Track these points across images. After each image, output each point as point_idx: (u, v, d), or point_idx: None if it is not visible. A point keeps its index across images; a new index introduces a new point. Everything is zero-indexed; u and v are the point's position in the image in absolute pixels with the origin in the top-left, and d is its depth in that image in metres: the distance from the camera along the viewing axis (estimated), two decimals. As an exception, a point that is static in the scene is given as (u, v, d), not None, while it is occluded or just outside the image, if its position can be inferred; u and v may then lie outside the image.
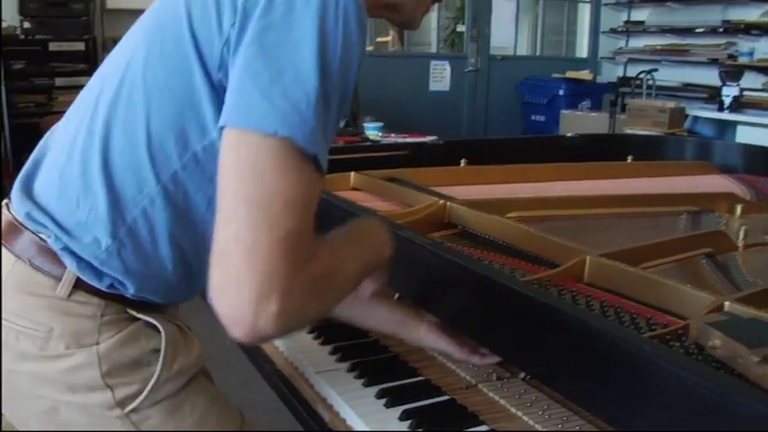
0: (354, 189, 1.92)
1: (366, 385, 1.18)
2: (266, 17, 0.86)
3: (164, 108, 0.96)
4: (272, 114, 0.83)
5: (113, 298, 1.03)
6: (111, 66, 1.08)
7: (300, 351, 1.31)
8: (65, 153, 1.04)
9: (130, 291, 1.03)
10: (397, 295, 1.38)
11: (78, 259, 1.00)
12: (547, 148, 2.58)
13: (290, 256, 0.81)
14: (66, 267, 1.00)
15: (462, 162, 2.13)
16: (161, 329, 1.05)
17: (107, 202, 0.98)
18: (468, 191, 1.85)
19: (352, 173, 1.93)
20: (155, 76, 0.98)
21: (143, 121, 0.97)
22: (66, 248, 1.00)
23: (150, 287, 1.05)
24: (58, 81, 5.28)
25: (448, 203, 1.59)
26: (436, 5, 1.25)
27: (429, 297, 1.29)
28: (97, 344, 1.01)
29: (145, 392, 1.03)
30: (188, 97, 0.95)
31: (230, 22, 0.89)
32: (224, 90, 0.90)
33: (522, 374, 1.16)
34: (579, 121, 6.38)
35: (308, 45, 0.85)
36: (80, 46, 5.33)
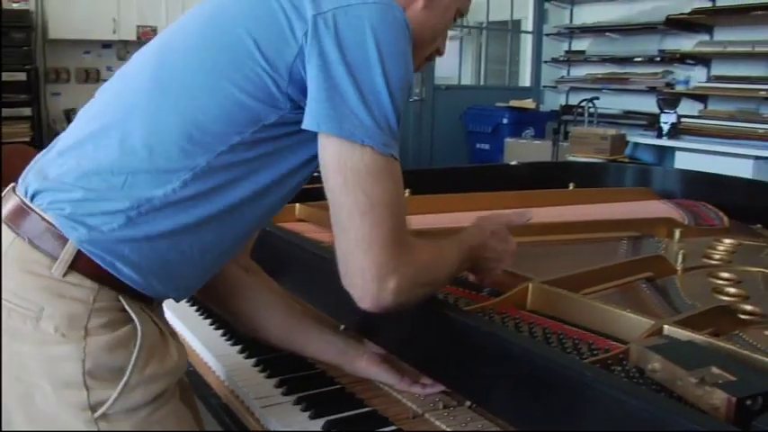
0: (300, 220, 1.91)
1: (312, 417, 1.17)
2: (338, 32, 1.02)
3: (217, 96, 1.05)
4: (362, 128, 1.01)
5: (108, 281, 1.02)
6: (145, 63, 1.16)
7: (246, 384, 1.30)
8: (94, 131, 1.08)
9: (129, 271, 1.03)
10: (342, 327, 1.38)
11: (89, 228, 1.01)
12: (491, 177, 2.61)
13: (398, 244, 1.03)
14: (64, 248, 1.01)
15: (407, 192, 2.14)
16: (137, 326, 1.03)
17: (145, 171, 1.03)
18: (413, 221, 1.85)
19: (297, 204, 1.93)
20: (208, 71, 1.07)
21: (190, 104, 1.05)
22: (80, 217, 1.01)
23: (155, 268, 1.05)
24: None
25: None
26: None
27: (372, 327, 1.29)
28: (86, 331, 1.00)
29: (114, 394, 1.00)
30: (228, 92, 1.04)
31: (303, 31, 1.02)
32: (282, 93, 1.04)
33: (468, 403, 1.17)
34: (523, 149, 6.46)
35: (376, 62, 1.02)
36: (21, 76, 5.24)
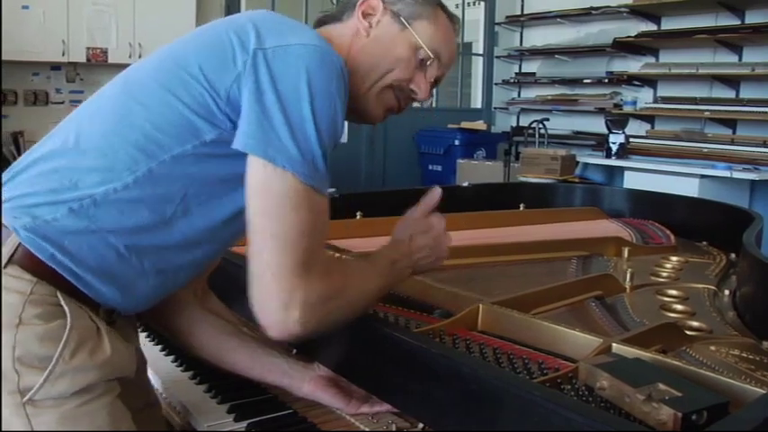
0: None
1: (264, 444, 1.16)
2: (273, 66, 1.09)
3: (164, 109, 1.12)
4: (286, 155, 1.06)
5: (47, 277, 1.06)
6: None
7: (196, 410, 1.28)
8: (56, 140, 1.15)
9: (69, 263, 1.06)
10: (294, 351, 1.37)
11: (33, 218, 1.07)
12: (442, 198, 2.62)
13: (306, 272, 1.05)
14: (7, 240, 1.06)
15: (358, 214, 2.15)
16: (67, 313, 1.06)
17: (92, 169, 1.09)
18: (363, 243, 1.86)
19: (249, 228, 1.91)
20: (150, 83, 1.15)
21: (140, 113, 1.12)
22: (26, 208, 1.08)
23: (105, 259, 1.09)
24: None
25: (343, 257, 1.60)
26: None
27: (322, 350, 1.29)
28: (19, 320, 1.03)
29: (41, 380, 1.03)
30: (174, 106, 1.11)
31: (243, 60, 1.10)
32: (221, 112, 1.10)
33: (421, 425, 1.16)
34: (475, 170, 6.51)
35: (306, 96, 1.08)
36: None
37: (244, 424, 1.22)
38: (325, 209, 1.11)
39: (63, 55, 5.57)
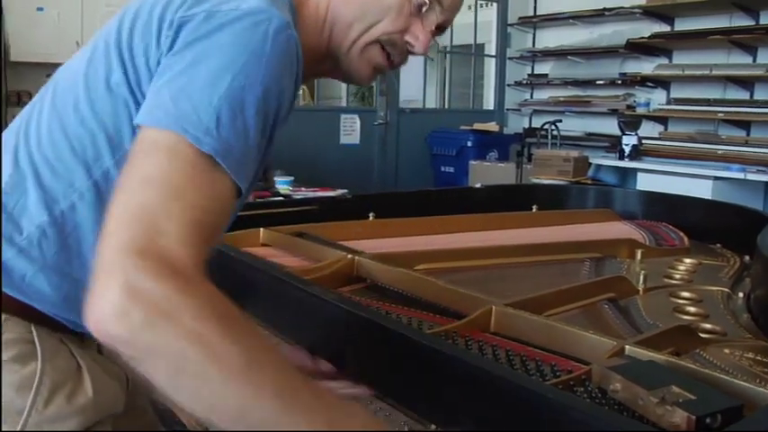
0: (264, 245, 1.91)
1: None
2: (196, 30, 0.91)
3: (87, 107, 1.00)
4: (172, 115, 0.85)
5: (19, 310, 0.97)
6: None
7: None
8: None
9: (44, 293, 0.98)
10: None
11: None
12: (454, 200, 2.62)
13: (152, 254, 0.75)
14: None
15: (370, 216, 2.15)
16: (38, 361, 0.97)
17: (35, 191, 0.98)
18: (376, 244, 1.86)
19: (261, 229, 1.92)
20: (76, 77, 1.03)
21: (72, 118, 1.00)
22: None
23: (65, 290, 0.99)
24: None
25: (356, 258, 1.60)
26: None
27: (336, 352, 1.28)
28: None
29: None
30: (110, 100, 0.99)
31: (166, 35, 0.94)
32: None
33: (433, 426, 1.16)
34: (487, 172, 6.51)
35: (229, 62, 0.88)
36: (-19, 99, 5.19)
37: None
38: (222, 193, 0.85)
39: (77, 56, 5.59)
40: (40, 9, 5.39)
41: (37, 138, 1.02)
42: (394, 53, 1.13)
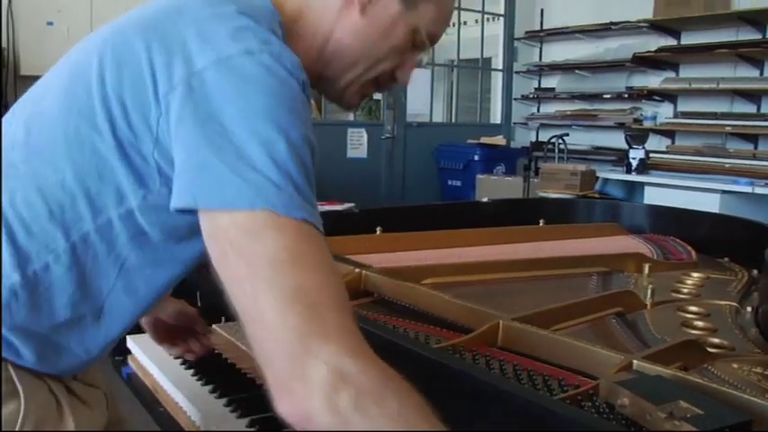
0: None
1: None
2: (215, 90, 0.87)
3: (68, 168, 0.94)
4: (247, 189, 0.82)
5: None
6: (23, 111, 1.06)
7: (215, 423, 1.29)
8: None
9: (16, 351, 0.95)
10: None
11: None
12: (461, 214, 2.62)
13: (327, 335, 0.76)
14: None
15: (378, 230, 2.15)
16: (20, 394, 0.95)
17: (7, 251, 0.94)
18: (383, 258, 1.87)
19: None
20: (55, 132, 0.96)
21: (51, 178, 0.95)
22: None
23: (38, 349, 0.97)
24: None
25: (363, 272, 1.60)
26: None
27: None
28: None
29: None
30: (95, 161, 0.94)
31: (166, 90, 0.89)
32: (148, 159, 0.91)
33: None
34: (494, 186, 6.51)
35: (264, 113, 0.85)
36: (-9, 113, 5.22)
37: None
38: (325, 246, 0.85)
39: (86, 70, 5.63)
40: (49, 23, 5.43)
41: (10, 193, 0.96)
42: (382, 83, 1.16)
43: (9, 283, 0.93)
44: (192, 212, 0.88)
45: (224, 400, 1.37)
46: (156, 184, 0.93)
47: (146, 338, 1.56)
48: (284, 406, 0.75)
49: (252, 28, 0.93)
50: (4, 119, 1.08)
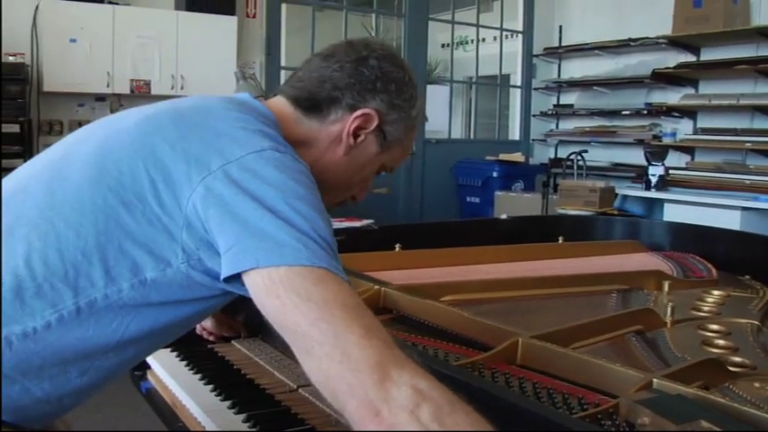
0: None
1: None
2: (256, 173, 1.00)
3: (91, 235, 1.01)
4: (305, 250, 0.94)
5: None
6: (43, 172, 1.12)
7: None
8: None
9: None
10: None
11: None
12: (480, 231, 2.63)
13: (385, 364, 0.85)
14: None
15: (397, 247, 2.15)
16: None
17: (12, 306, 0.98)
18: (402, 275, 1.87)
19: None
20: (82, 201, 1.04)
21: (72, 241, 1.01)
22: None
23: (18, 401, 1.00)
24: (-7, 162, 5.20)
25: (383, 288, 1.61)
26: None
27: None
28: None
29: None
30: (118, 233, 1.01)
31: (202, 174, 1.00)
32: (176, 237, 1.01)
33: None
34: (513, 202, 6.50)
35: (300, 195, 0.99)
36: (15, 128, 5.27)
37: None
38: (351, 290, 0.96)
39: (108, 86, 5.68)
40: (72, 40, 5.50)
41: (26, 247, 1.01)
42: (345, 201, 1.36)
43: (6, 333, 0.98)
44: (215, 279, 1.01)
45: (243, 416, 1.37)
46: (177, 259, 1.02)
47: (165, 353, 1.57)
48: (372, 426, 0.83)
49: (271, 134, 1.10)
50: (16, 171, 1.16)
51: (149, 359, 1.67)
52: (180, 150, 1.03)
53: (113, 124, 1.15)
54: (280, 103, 1.26)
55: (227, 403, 1.43)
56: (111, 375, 1.10)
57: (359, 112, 1.22)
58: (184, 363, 1.65)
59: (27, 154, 5.28)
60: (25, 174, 1.15)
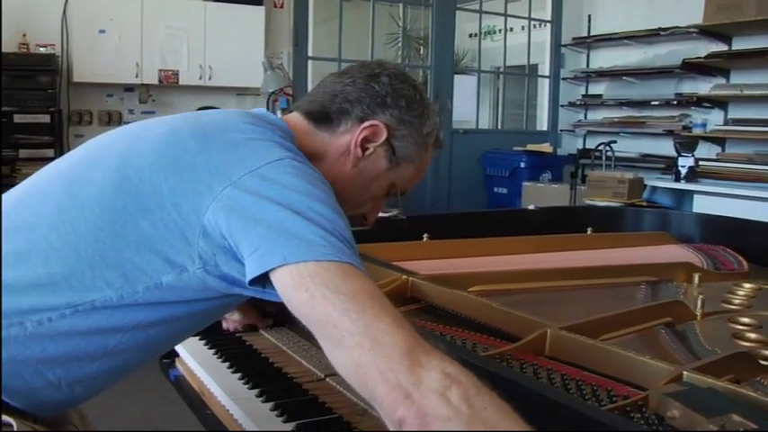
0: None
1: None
2: (277, 180, 1.03)
3: (109, 238, 1.05)
4: (331, 247, 0.97)
5: None
6: (62, 176, 1.16)
7: (261, 428, 1.30)
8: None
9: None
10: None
11: None
12: (508, 222, 2.62)
13: (414, 351, 0.88)
14: None
15: (425, 236, 2.15)
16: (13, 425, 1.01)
17: (32, 299, 1.02)
18: (430, 265, 1.87)
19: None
20: (103, 205, 1.07)
21: (91, 243, 1.05)
22: None
23: (31, 383, 1.04)
24: (22, 153, 5.25)
25: (410, 278, 1.61)
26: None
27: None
28: None
29: None
30: (136, 237, 1.05)
31: (224, 184, 1.03)
32: (192, 243, 1.04)
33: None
34: (541, 193, 6.46)
35: (320, 198, 1.03)
36: (45, 118, 5.33)
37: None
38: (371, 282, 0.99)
39: (136, 77, 5.73)
40: (102, 31, 5.54)
41: (46, 246, 1.05)
42: (356, 223, 1.33)
43: (21, 320, 1.02)
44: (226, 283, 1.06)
45: (270, 404, 1.38)
46: (194, 265, 1.05)
47: (194, 342, 1.58)
48: (402, 409, 0.85)
49: (287, 145, 1.14)
50: (38, 173, 1.21)
51: (178, 347, 1.69)
52: (201, 161, 1.07)
53: (136, 133, 1.19)
54: (294, 117, 1.30)
55: (255, 391, 1.44)
56: (123, 366, 1.12)
57: (367, 123, 1.25)
58: (212, 351, 1.66)
59: (57, 144, 5.34)
60: (46, 176, 1.19)
